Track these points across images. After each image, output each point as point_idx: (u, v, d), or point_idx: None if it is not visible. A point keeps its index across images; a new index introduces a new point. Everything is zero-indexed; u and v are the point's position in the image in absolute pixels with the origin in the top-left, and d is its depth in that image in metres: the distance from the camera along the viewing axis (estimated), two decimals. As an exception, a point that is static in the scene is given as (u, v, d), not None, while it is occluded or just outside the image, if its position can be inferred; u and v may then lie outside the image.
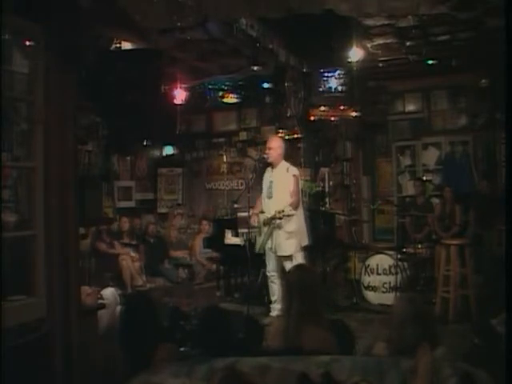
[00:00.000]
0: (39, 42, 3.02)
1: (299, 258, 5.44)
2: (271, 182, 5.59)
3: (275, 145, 5.62)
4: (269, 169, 5.74)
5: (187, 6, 4.19)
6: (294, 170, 5.62)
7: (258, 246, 5.70)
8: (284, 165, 5.62)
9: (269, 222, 5.44)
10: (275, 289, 5.59)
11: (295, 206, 5.39)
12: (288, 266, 5.32)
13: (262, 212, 5.62)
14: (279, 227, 5.42)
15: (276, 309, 5.50)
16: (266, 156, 5.65)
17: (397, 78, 8.52)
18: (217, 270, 7.48)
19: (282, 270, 5.48)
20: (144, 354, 2.52)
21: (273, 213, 5.37)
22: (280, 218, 5.30)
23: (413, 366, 2.10)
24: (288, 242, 5.44)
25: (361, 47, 6.71)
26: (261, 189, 5.84)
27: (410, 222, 7.37)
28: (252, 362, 2.25)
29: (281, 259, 5.50)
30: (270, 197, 5.57)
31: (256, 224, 5.66)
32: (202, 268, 8.16)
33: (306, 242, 5.57)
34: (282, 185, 5.46)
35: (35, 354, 2.82)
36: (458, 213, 6.78)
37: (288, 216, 5.28)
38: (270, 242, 5.50)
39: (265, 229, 5.53)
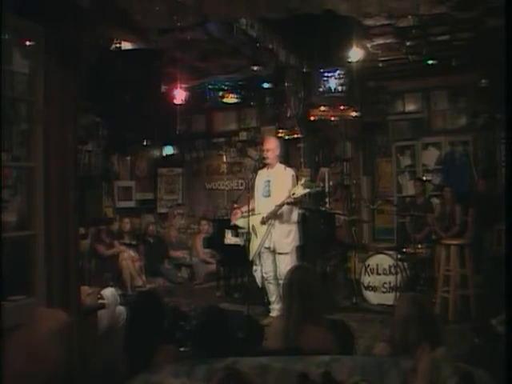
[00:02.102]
0: (39, 42, 3.02)
1: (294, 258, 5.44)
2: (268, 181, 5.56)
3: (273, 146, 5.61)
4: (264, 169, 5.71)
5: (187, 6, 4.19)
6: (292, 171, 5.65)
7: (252, 252, 5.56)
8: (281, 165, 5.65)
9: (269, 217, 5.40)
10: (272, 289, 5.58)
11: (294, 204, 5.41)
12: (283, 265, 5.34)
13: (258, 213, 5.54)
14: (280, 221, 5.40)
15: (275, 309, 5.49)
16: (264, 156, 5.61)
17: (397, 78, 8.52)
18: (217, 270, 7.48)
19: (277, 269, 5.47)
20: (146, 353, 2.52)
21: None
22: (288, 203, 5.29)
23: (413, 366, 2.11)
24: (286, 240, 5.45)
25: (361, 47, 6.71)
26: (253, 190, 5.78)
27: (410, 222, 7.37)
28: (252, 362, 2.25)
29: (276, 259, 5.48)
30: (267, 195, 5.54)
31: (236, 222, 5.67)
32: (202, 268, 8.16)
33: (297, 242, 5.57)
34: (280, 183, 5.44)
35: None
36: (457, 213, 6.78)
37: (295, 201, 5.29)
38: (267, 240, 5.48)
39: (262, 228, 5.47)
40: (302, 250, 5.70)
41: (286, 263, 5.26)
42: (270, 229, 5.44)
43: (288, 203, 5.31)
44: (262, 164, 5.76)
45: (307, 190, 5.30)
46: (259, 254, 5.57)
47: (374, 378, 2.10)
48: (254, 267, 5.69)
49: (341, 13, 4.31)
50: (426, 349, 2.17)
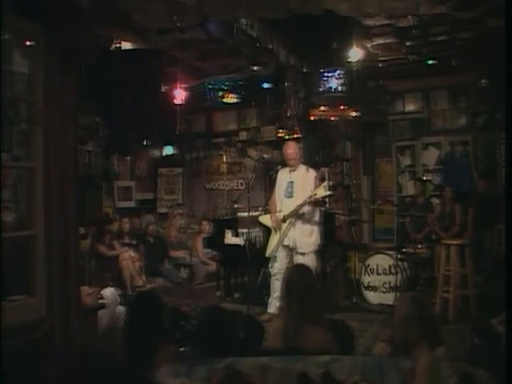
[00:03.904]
0: (39, 42, 3.02)
1: (313, 257, 5.50)
2: (291, 182, 5.66)
3: (294, 150, 5.70)
4: (284, 170, 5.81)
5: (187, 6, 4.19)
6: (314, 172, 5.74)
7: (270, 248, 5.66)
8: (303, 166, 5.74)
9: (291, 216, 5.48)
10: (278, 286, 5.60)
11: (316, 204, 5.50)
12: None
13: (280, 211, 5.66)
14: (301, 221, 5.46)
15: (274, 305, 5.53)
16: (287, 162, 5.72)
17: (397, 78, 8.52)
18: (217, 270, 7.48)
19: None
20: (146, 353, 2.52)
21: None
22: (309, 203, 5.36)
23: (412, 366, 2.11)
24: (309, 240, 5.52)
25: (361, 47, 6.71)
26: (267, 189, 5.90)
27: (410, 222, 7.37)
28: (252, 362, 2.25)
29: (293, 256, 5.53)
30: (289, 196, 5.63)
31: (275, 224, 5.66)
32: (202, 268, 8.16)
33: (319, 241, 5.64)
34: (303, 184, 5.54)
35: (35, 354, 2.82)
36: (457, 213, 6.78)
37: (317, 201, 5.35)
38: (286, 238, 5.54)
39: (283, 226, 5.56)
40: (323, 252, 5.78)
41: (307, 262, 5.26)
42: (290, 227, 5.52)
43: (309, 203, 5.38)
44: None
45: (329, 193, 5.42)
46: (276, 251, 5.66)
47: (373, 378, 2.11)
48: (270, 264, 5.77)
49: (341, 13, 4.30)
50: (425, 349, 2.17)
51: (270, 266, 5.80)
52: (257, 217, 6.48)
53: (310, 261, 5.35)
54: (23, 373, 2.71)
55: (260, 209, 6.92)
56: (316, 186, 5.44)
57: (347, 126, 8.65)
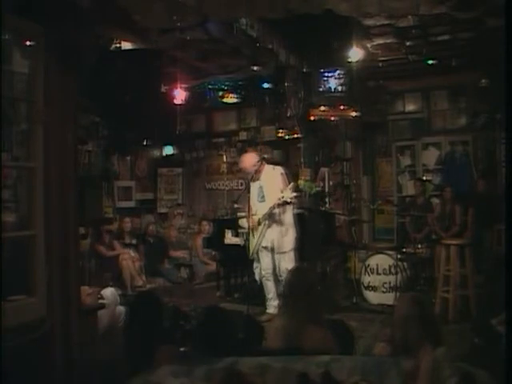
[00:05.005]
0: (39, 42, 3.01)
1: (294, 256, 5.52)
2: (261, 186, 5.68)
3: (248, 163, 5.67)
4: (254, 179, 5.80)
5: (187, 6, 4.19)
6: (280, 169, 5.73)
7: (251, 250, 5.69)
8: (269, 167, 5.74)
9: (265, 218, 5.52)
10: (270, 286, 5.65)
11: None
12: (282, 262, 5.47)
13: (255, 215, 5.68)
14: (275, 221, 5.49)
15: (272, 305, 5.55)
16: (247, 173, 5.72)
17: (397, 78, 8.53)
18: (217, 270, 7.48)
19: (276, 267, 5.57)
20: (146, 353, 2.52)
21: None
22: (279, 205, 5.38)
23: (414, 366, 2.11)
24: (286, 239, 5.54)
25: (361, 47, 6.71)
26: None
27: (410, 222, 7.37)
28: (252, 362, 2.25)
29: (274, 257, 5.56)
30: (262, 201, 5.66)
31: (251, 225, 5.68)
32: (202, 268, 8.16)
33: (295, 234, 5.63)
34: (271, 186, 5.56)
35: (35, 354, 2.82)
36: (457, 213, 6.78)
37: (287, 202, 5.37)
38: (264, 240, 5.56)
39: (258, 228, 5.59)
40: (302, 250, 5.75)
41: (286, 261, 5.42)
42: (266, 229, 5.56)
43: (278, 205, 5.40)
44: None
45: (295, 194, 5.43)
46: (257, 253, 5.68)
47: (373, 378, 2.11)
48: (255, 264, 5.84)
49: (341, 13, 4.29)
50: (428, 349, 2.17)
51: (254, 267, 5.84)
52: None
53: (290, 259, 5.41)
54: (23, 373, 2.71)
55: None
56: (284, 183, 5.47)
57: (347, 126, 8.65)
